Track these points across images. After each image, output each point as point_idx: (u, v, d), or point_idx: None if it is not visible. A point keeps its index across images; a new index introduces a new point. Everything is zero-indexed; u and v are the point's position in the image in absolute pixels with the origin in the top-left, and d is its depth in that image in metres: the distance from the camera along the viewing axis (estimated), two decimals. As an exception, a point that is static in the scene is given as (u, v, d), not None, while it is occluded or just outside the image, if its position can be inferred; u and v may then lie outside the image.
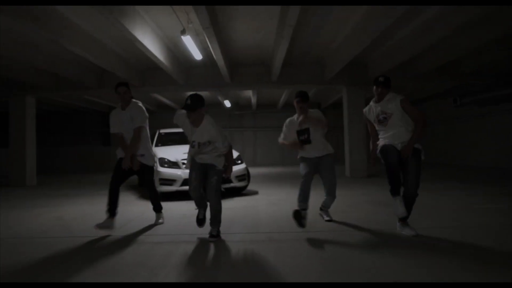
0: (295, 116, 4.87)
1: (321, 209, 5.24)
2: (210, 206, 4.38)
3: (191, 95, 4.14)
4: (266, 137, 20.11)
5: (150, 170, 5.11)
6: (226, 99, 16.63)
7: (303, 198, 4.65)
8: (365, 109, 4.67)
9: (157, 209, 5.31)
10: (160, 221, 5.27)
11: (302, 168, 4.82)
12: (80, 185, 11.44)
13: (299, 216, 4.50)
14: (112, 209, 4.77)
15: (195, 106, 4.07)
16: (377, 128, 4.52)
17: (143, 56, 10.02)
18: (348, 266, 3.25)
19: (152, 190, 5.24)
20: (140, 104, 4.94)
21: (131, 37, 6.97)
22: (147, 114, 4.96)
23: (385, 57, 10.45)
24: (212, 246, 4.06)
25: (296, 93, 4.77)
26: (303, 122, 4.72)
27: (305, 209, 4.59)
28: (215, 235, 4.37)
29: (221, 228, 4.50)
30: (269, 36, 9.06)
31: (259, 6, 7.23)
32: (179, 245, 4.15)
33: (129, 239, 4.41)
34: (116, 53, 9.65)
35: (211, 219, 4.41)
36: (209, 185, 4.33)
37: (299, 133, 4.74)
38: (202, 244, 4.19)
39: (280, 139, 4.92)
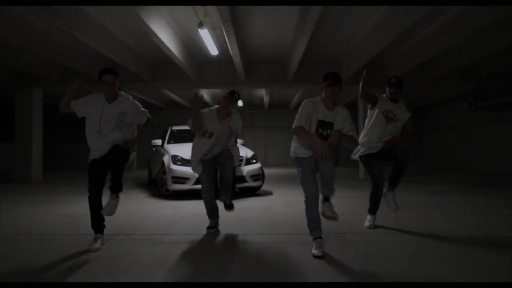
0: (318, 99, 3.71)
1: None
2: (226, 176, 4.53)
3: (234, 91, 4.46)
4: (278, 138, 19.81)
5: (126, 154, 3.90)
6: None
7: (315, 225, 3.60)
8: (382, 96, 4.52)
9: (116, 188, 3.87)
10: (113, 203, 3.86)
11: (303, 178, 3.61)
12: (86, 181, 11.15)
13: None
14: (98, 223, 3.88)
15: (239, 98, 4.47)
16: (375, 120, 4.43)
17: (156, 50, 9.78)
18: (381, 269, 2.92)
19: (122, 175, 3.90)
20: (132, 98, 4.04)
21: (146, 28, 6.70)
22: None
23: (404, 57, 10.10)
24: (232, 247, 3.75)
25: (328, 74, 3.62)
26: (332, 113, 3.63)
27: (321, 237, 3.57)
28: (230, 204, 4.58)
29: (240, 228, 4.36)
30: (287, 33, 8.76)
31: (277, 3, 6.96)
32: (196, 245, 3.87)
33: (143, 239, 4.11)
34: (129, 47, 9.39)
35: (225, 187, 4.59)
36: (228, 167, 4.52)
37: (322, 125, 3.59)
38: (220, 244, 3.88)
39: (297, 125, 3.62)
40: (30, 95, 11.31)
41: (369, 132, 4.49)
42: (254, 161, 7.97)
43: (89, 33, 7.37)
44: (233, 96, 4.36)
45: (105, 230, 3.95)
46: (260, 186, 8.10)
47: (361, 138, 4.55)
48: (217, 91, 13.85)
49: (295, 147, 3.79)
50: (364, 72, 4.36)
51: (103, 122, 3.81)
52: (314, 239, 3.56)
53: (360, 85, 4.34)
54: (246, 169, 7.62)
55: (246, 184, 7.56)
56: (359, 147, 4.59)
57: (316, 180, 3.57)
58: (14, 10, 6.32)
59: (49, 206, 6.50)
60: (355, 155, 4.75)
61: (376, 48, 8.35)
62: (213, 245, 3.89)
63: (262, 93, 15.75)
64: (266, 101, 16.63)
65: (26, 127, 11.33)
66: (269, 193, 8.11)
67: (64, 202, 6.92)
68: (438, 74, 10.71)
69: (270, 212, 5.80)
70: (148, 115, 4.17)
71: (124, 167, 3.94)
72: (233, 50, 8.37)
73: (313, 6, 5.98)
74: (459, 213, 5.56)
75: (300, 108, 3.71)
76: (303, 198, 3.60)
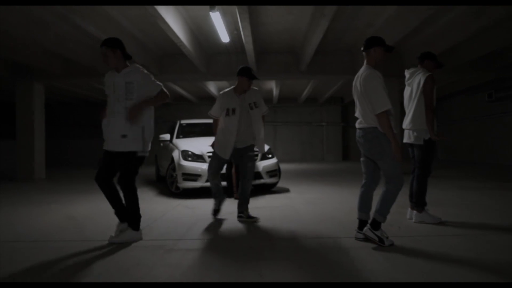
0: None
1: None
2: (247, 187, 4.67)
3: (248, 67, 4.57)
4: (287, 132, 19.23)
5: (129, 160, 3.65)
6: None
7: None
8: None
9: (134, 224, 3.72)
10: (117, 238, 3.66)
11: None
12: (91, 179, 10.67)
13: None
14: (118, 211, 3.77)
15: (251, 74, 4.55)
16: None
17: (162, 40, 9.25)
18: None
19: (130, 194, 3.69)
20: (142, 69, 3.76)
21: (153, 12, 6.14)
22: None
23: (424, 45, 9.48)
24: (260, 255, 3.21)
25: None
26: None
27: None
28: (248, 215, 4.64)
29: (265, 231, 4.00)
30: (302, 19, 8.18)
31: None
32: (217, 253, 3.33)
33: (155, 245, 3.58)
34: (133, 36, 8.84)
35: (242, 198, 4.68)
36: (248, 168, 4.65)
37: None
38: (246, 251, 3.34)
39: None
40: (31, 89, 10.80)
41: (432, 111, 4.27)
42: (270, 156, 7.42)
43: (91, 19, 6.83)
44: (245, 73, 4.51)
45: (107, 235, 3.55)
46: (277, 183, 7.56)
47: (423, 121, 4.29)
48: (225, 83, 13.26)
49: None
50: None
51: (116, 95, 3.66)
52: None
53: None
54: (262, 165, 7.07)
55: (262, 181, 7.02)
56: (418, 130, 4.32)
57: None
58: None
59: (50, 206, 6.00)
60: (419, 139, 4.33)
61: (398, 34, 7.78)
62: (237, 252, 3.35)
63: (272, 86, 15.17)
64: (276, 94, 16.03)
65: (27, 123, 10.84)
66: (285, 190, 7.58)
67: (67, 202, 6.41)
68: (459, 63, 10.09)
69: (293, 212, 5.27)
70: (163, 88, 3.78)
71: (132, 170, 3.67)
72: (246, 37, 7.78)
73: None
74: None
75: (378, 81, 3.40)
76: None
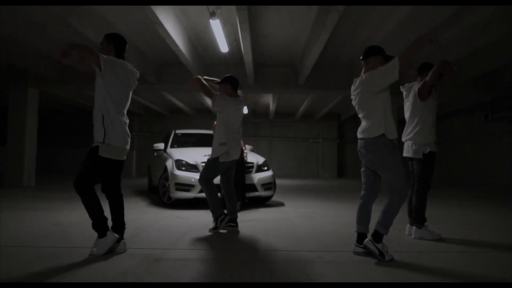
0: None
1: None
2: (231, 195, 4.69)
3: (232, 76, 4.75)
4: (283, 148, 19.11)
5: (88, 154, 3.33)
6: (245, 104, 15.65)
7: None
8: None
9: (119, 229, 3.47)
10: (120, 248, 3.42)
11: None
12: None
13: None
14: (100, 223, 3.34)
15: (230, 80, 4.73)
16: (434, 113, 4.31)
17: (161, 49, 9.20)
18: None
19: (117, 198, 3.48)
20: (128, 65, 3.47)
21: (152, 17, 6.06)
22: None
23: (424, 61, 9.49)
24: (253, 267, 3.04)
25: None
26: None
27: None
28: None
29: (258, 244, 3.79)
30: (303, 31, 8.15)
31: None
32: (208, 264, 3.15)
33: (143, 254, 3.40)
34: (132, 43, 8.75)
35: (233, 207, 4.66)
36: (230, 178, 4.69)
37: None
38: (238, 264, 3.16)
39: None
40: (26, 94, 10.61)
41: (433, 126, 4.21)
42: (266, 168, 7.28)
43: (88, 23, 6.75)
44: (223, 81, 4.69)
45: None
46: (272, 196, 7.40)
47: (422, 133, 4.18)
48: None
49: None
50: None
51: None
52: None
53: (431, 73, 4.02)
54: (257, 177, 6.92)
55: (257, 194, 6.86)
56: (417, 143, 4.19)
57: None
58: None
59: (37, 213, 5.78)
60: (419, 153, 4.19)
61: (397, 50, 7.75)
62: (228, 265, 3.18)
63: (268, 100, 15.12)
64: (272, 109, 15.97)
65: (19, 128, 10.61)
66: (280, 204, 7.40)
67: (55, 209, 6.19)
68: (459, 81, 10.10)
69: (288, 225, 5.10)
70: (95, 51, 3.22)
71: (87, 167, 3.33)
72: (245, 48, 7.72)
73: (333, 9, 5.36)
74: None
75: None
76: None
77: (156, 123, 18.66)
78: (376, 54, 3.50)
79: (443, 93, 11.66)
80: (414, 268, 3.08)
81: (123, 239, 3.46)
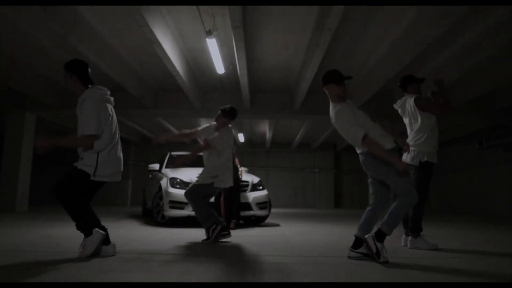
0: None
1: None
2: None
3: (231, 107, 4.71)
4: (279, 177, 19.01)
5: (74, 171, 3.26)
6: (240, 131, 15.70)
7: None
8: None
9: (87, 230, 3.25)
10: (109, 250, 3.32)
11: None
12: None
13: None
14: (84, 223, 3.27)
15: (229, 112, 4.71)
16: (434, 127, 4.29)
17: (159, 73, 9.39)
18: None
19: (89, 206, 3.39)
20: (96, 93, 3.32)
21: (150, 36, 6.19)
22: (96, 115, 3.23)
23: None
24: (243, 268, 2.96)
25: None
26: None
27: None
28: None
29: (250, 248, 3.79)
30: (297, 54, 8.33)
31: (293, 14, 6.57)
32: (197, 265, 3.08)
33: (133, 257, 3.34)
34: (130, 67, 8.91)
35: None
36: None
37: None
38: (229, 264, 3.09)
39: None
40: (23, 119, 10.66)
41: (433, 136, 4.18)
42: (261, 187, 7.24)
43: (88, 43, 6.89)
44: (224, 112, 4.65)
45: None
46: (267, 216, 7.31)
47: (421, 142, 4.13)
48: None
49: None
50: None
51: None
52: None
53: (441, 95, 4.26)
54: (252, 196, 6.87)
55: (252, 212, 6.79)
56: (415, 150, 4.15)
57: None
58: (10, 17, 5.85)
59: (27, 229, 5.67)
60: (416, 160, 4.14)
61: (392, 71, 7.95)
62: (220, 265, 3.10)
63: (265, 129, 15.22)
64: (269, 138, 16.04)
65: (15, 153, 10.56)
66: (276, 225, 7.30)
67: (45, 226, 6.09)
68: (453, 105, 10.24)
69: (282, 238, 5.02)
70: (86, 135, 3.19)
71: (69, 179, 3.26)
72: (241, 69, 7.85)
73: (334, 11, 5.53)
74: None
75: (345, 117, 3.39)
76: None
77: (153, 152, 18.63)
78: (327, 83, 3.60)
79: (439, 119, 11.79)
80: (411, 268, 3.02)
81: (110, 242, 3.36)
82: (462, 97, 9.79)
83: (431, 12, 6.00)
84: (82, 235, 3.26)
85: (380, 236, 3.20)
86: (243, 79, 8.48)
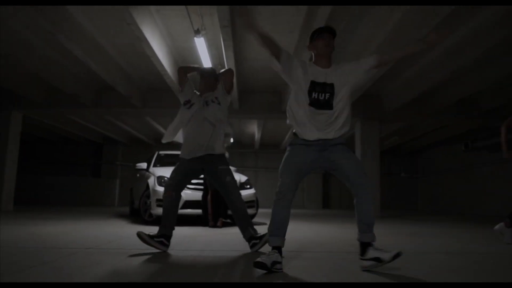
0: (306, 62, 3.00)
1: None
2: (239, 209, 3.72)
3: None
4: (268, 178, 19.06)
5: None
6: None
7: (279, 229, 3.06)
8: None
9: None
10: None
11: (283, 169, 2.90)
12: (62, 212, 10.20)
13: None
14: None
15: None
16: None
17: (147, 72, 9.38)
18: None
19: None
20: None
21: (139, 34, 6.20)
22: None
23: (403, 88, 9.84)
24: (233, 263, 3.00)
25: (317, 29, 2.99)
26: (328, 71, 2.90)
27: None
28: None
29: (238, 248, 3.66)
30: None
31: (282, 16, 6.64)
32: (184, 260, 3.10)
33: (119, 252, 3.35)
34: (119, 65, 8.89)
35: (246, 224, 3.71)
36: (230, 185, 3.69)
37: (316, 86, 2.80)
38: (224, 258, 3.12)
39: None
40: (9, 117, 10.56)
41: None
42: (248, 186, 7.29)
43: (77, 41, 6.87)
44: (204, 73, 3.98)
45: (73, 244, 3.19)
46: (255, 215, 7.35)
47: None
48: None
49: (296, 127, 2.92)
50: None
51: None
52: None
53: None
54: (240, 194, 6.89)
55: (239, 211, 6.80)
56: None
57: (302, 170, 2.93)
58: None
59: (12, 227, 5.62)
60: None
61: (379, 72, 8.04)
62: (206, 260, 3.13)
63: (254, 130, 15.28)
64: (257, 138, 16.11)
65: (0, 152, 10.45)
66: (263, 223, 7.32)
67: (31, 225, 6.03)
68: (437, 107, 10.42)
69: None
70: None
71: None
72: (230, 67, 7.89)
73: (319, 13, 5.61)
74: None
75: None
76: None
77: (141, 153, 18.53)
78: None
79: (423, 121, 11.98)
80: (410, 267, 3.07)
81: None
82: (447, 99, 9.98)
83: (417, 13, 6.12)
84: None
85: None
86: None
